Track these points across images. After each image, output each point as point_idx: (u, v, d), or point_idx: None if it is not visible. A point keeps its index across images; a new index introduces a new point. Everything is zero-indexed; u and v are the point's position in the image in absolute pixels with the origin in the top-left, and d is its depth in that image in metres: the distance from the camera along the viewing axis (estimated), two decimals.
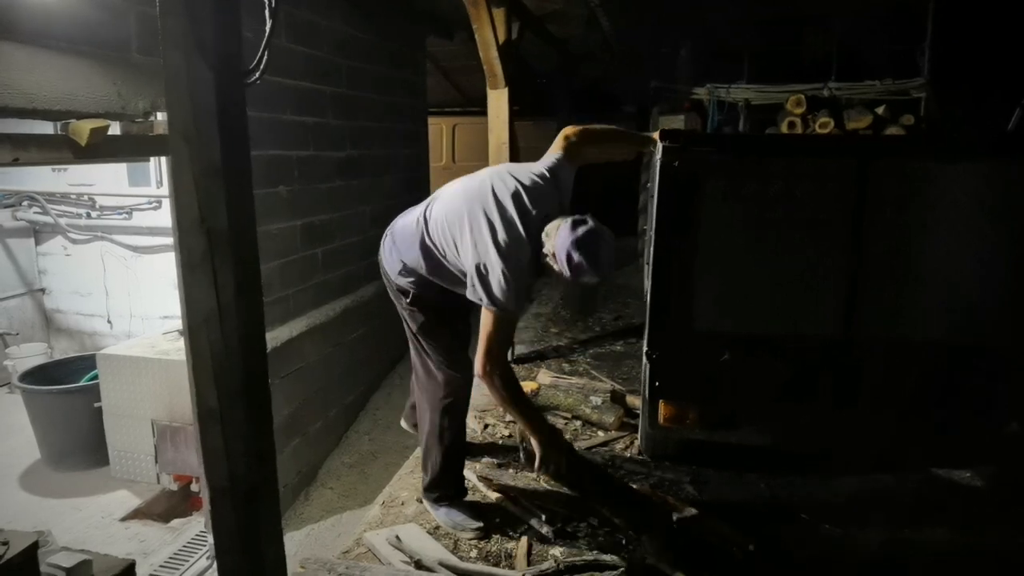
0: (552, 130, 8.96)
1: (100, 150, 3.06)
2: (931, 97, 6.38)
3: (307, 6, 4.48)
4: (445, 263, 2.80)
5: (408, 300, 2.96)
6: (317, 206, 4.69)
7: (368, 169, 5.41)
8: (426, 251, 2.82)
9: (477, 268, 2.58)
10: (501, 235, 2.57)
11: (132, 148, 3.39)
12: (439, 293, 2.92)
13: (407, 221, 2.96)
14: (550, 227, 2.59)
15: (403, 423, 3.70)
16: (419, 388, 3.12)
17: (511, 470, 3.49)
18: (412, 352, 3.12)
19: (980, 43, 6.52)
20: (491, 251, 2.56)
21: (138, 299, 5.62)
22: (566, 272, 2.52)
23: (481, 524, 3.02)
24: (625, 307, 6.86)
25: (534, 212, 2.62)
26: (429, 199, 2.96)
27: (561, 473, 2.81)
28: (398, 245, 2.95)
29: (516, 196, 2.64)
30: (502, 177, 2.73)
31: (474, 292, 2.60)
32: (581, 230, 2.50)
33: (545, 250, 2.59)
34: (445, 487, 3.11)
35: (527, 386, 4.35)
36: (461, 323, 3.11)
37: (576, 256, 2.47)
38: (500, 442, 3.84)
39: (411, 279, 2.92)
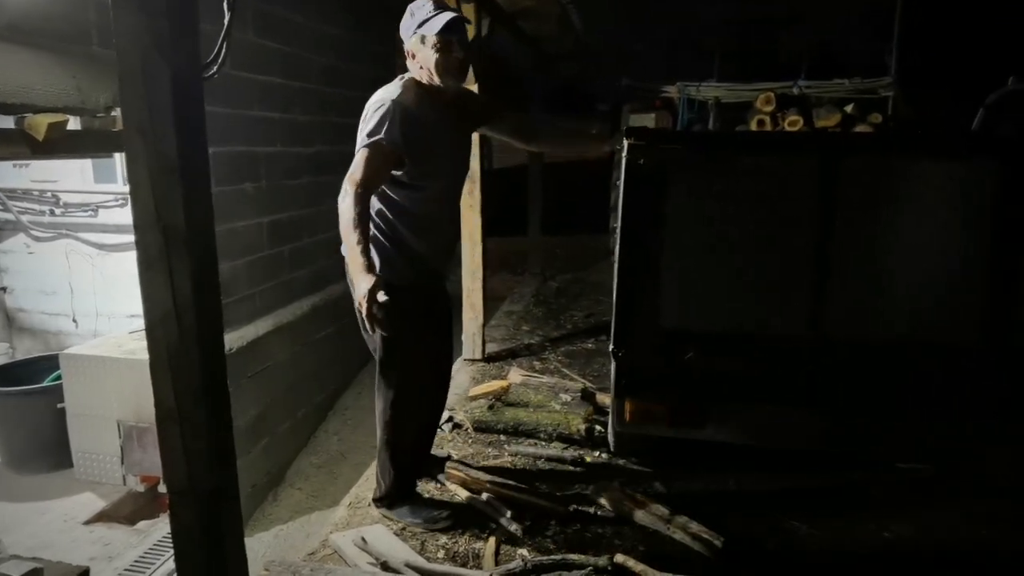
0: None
1: (59, 145, 3.00)
2: (898, 96, 6.46)
3: (276, 0, 4.42)
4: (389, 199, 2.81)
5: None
6: (285, 203, 4.64)
7: (338, 166, 5.31)
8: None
9: (361, 120, 2.71)
10: (388, 88, 2.75)
11: (93, 144, 3.32)
12: (407, 268, 2.83)
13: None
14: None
15: None
16: (376, 394, 3.01)
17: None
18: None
19: (947, 43, 6.61)
20: (367, 107, 2.72)
21: (105, 298, 5.52)
22: (419, 19, 2.61)
23: (449, 511, 3.04)
24: (597, 304, 6.87)
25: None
26: None
27: (372, 314, 2.48)
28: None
29: None
30: None
31: (358, 139, 2.69)
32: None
33: (408, 48, 2.72)
34: (399, 493, 3.06)
35: (497, 384, 4.34)
36: (432, 329, 3.03)
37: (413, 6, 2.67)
38: (470, 442, 3.83)
39: (379, 259, 2.79)
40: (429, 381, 3.09)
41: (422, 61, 2.68)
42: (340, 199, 2.59)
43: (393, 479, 3.03)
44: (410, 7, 2.70)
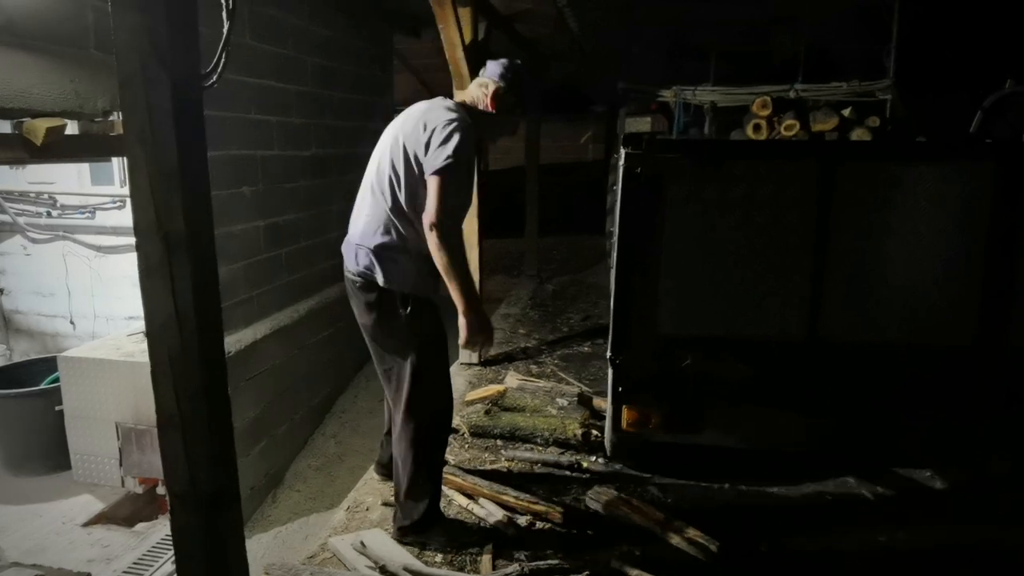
0: (521, 130, 8.93)
1: (57, 150, 3.00)
2: (896, 99, 6.46)
3: (271, 3, 4.42)
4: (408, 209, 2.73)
5: (411, 309, 2.72)
6: (282, 206, 4.64)
7: (334, 169, 5.37)
8: (396, 213, 2.73)
9: (436, 132, 2.63)
10: (449, 107, 2.77)
11: (91, 148, 3.33)
12: (429, 281, 2.78)
13: (368, 221, 2.81)
14: (475, 83, 2.94)
15: (375, 474, 3.50)
16: (402, 422, 2.82)
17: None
18: (396, 387, 2.85)
19: (945, 45, 6.63)
20: (440, 125, 2.64)
21: (102, 299, 5.51)
22: (506, 78, 2.86)
23: (477, 531, 3.00)
24: (594, 307, 6.88)
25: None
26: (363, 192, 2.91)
27: (485, 351, 2.74)
28: (377, 247, 2.76)
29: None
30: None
31: (435, 155, 2.60)
32: (503, 59, 2.94)
33: (475, 98, 2.88)
34: (433, 515, 2.94)
35: (494, 388, 4.35)
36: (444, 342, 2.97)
37: (510, 63, 2.90)
38: (467, 447, 3.84)
39: (405, 274, 2.73)
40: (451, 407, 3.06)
41: (486, 93, 2.87)
42: (440, 238, 2.58)
43: (430, 503, 2.89)
44: (503, 60, 2.94)
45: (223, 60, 1.85)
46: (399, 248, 2.73)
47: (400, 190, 2.71)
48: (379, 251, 2.74)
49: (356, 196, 2.95)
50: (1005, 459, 3.21)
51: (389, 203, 2.73)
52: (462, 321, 2.74)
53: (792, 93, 6.55)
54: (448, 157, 2.57)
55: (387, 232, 2.74)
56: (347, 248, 2.90)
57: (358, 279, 2.80)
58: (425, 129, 2.67)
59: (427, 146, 2.64)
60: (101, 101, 3.20)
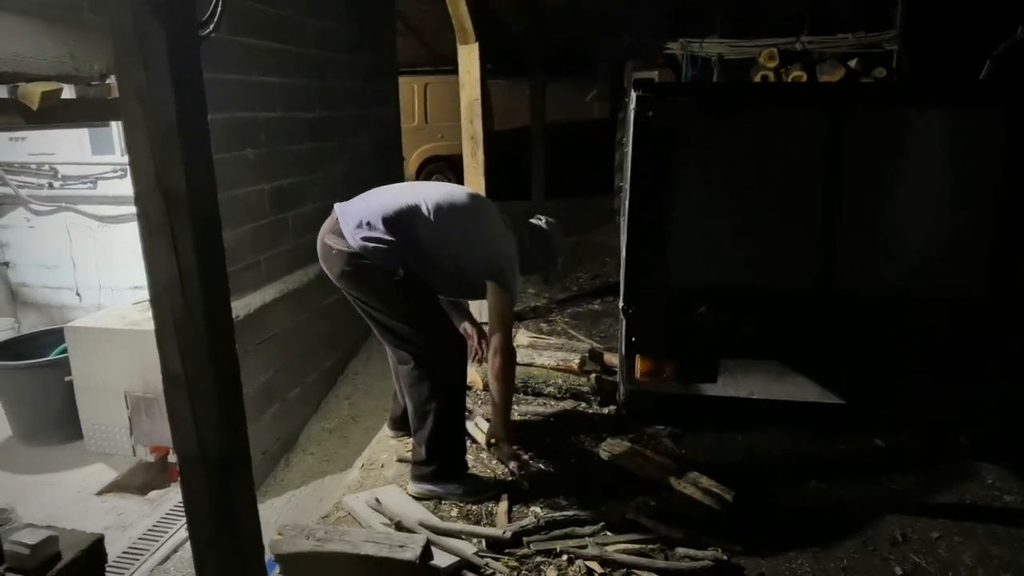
0: (525, 89, 8.80)
1: (53, 114, 2.95)
2: (903, 49, 6.35)
3: None
4: (440, 253, 2.92)
5: (403, 274, 2.85)
6: (286, 169, 4.58)
7: (338, 131, 5.29)
8: (426, 237, 2.89)
9: (499, 259, 2.94)
10: (509, 242, 3.03)
11: (88, 112, 3.27)
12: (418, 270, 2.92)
13: (393, 210, 2.92)
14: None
15: (389, 431, 3.62)
16: (414, 379, 2.94)
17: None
18: (395, 350, 3.02)
19: None
20: (506, 249, 2.98)
21: (107, 270, 5.49)
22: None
23: (493, 483, 3.06)
24: (602, 266, 6.85)
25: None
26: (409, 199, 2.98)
27: (504, 457, 3.16)
28: (384, 230, 2.89)
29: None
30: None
31: (500, 276, 2.93)
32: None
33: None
34: (456, 466, 3.04)
35: None
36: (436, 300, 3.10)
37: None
38: (479, 402, 3.83)
39: (399, 258, 2.86)
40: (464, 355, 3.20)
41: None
42: (504, 352, 3.00)
43: (455, 454, 3.03)
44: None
45: (219, 8, 1.79)
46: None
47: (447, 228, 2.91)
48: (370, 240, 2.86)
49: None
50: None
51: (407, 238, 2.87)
52: (498, 425, 3.19)
53: (798, 45, 6.45)
54: (512, 288, 3.01)
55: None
56: (346, 222, 2.95)
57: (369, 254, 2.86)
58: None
59: (500, 263, 2.97)
60: (97, 64, 3.14)
